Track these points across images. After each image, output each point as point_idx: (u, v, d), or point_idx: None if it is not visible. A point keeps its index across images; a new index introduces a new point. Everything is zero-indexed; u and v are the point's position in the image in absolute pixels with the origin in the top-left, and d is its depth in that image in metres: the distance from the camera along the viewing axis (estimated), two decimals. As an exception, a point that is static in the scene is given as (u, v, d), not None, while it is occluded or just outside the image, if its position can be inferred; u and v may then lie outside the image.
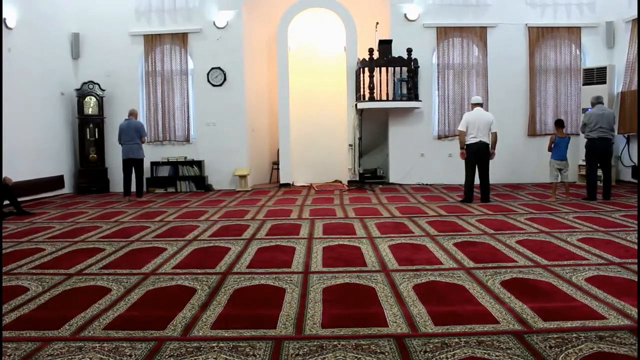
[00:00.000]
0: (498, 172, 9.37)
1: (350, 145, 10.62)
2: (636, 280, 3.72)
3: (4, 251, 5.16)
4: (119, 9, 10.77)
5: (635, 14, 9.58)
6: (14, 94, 8.72)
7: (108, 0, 10.79)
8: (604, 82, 9.87)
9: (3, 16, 8.64)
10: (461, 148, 7.94)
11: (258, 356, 2.58)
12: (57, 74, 10.32)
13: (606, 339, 2.67)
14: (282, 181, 10.99)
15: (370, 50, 9.86)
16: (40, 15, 9.75)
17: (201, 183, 10.73)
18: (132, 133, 9.17)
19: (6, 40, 8.64)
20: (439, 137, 10.78)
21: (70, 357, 2.63)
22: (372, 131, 10.95)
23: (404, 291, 3.55)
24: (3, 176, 7.48)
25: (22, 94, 9.11)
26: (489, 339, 2.72)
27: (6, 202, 7.68)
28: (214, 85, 10.83)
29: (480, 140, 7.73)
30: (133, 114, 9.45)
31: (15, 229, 6.53)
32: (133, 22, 10.86)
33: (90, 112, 10.68)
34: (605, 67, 9.95)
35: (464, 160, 7.99)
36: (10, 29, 8.80)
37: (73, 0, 10.68)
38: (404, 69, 10.27)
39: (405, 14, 10.62)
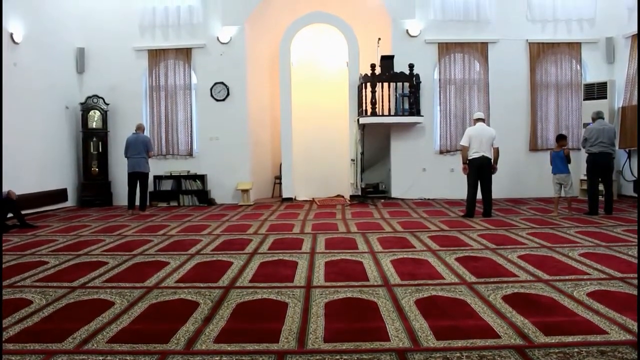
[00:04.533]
0: (500, 186, 9.37)
1: (353, 159, 10.65)
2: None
3: (7, 264, 5.19)
4: (123, 24, 10.90)
5: (634, 30, 9.67)
6: (19, 107, 8.83)
7: (113, 16, 10.93)
8: (605, 97, 9.94)
9: (10, 31, 8.76)
10: (464, 163, 7.98)
11: (261, 370, 2.59)
12: (62, 88, 10.43)
13: (608, 354, 2.68)
14: (284, 195, 11.02)
15: (372, 66, 9.94)
16: (46, 31, 9.87)
17: (204, 197, 10.77)
18: (139, 147, 9.26)
19: (12, 55, 8.77)
20: (441, 152, 10.83)
21: (74, 370, 2.64)
22: (374, 146, 10.99)
23: (406, 306, 3.56)
24: (7, 189, 7.55)
25: (28, 107, 9.20)
26: (490, 353, 2.72)
27: (10, 214, 7.73)
28: (217, 100, 10.91)
29: (482, 155, 7.77)
30: (140, 128, 9.55)
31: (18, 241, 6.55)
32: (137, 37, 10.99)
33: (94, 126, 10.78)
34: (605, 82, 10.03)
35: (466, 175, 8.02)
36: (16, 43, 8.92)
37: (78, 15, 10.83)
38: (406, 84, 10.33)
39: (407, 30, 10.73)
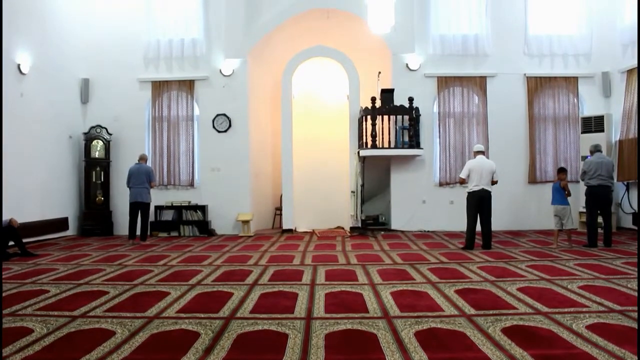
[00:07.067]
0: (499, 219, 9.43)
1: (353, 191, 10.70)
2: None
3: (8, 292, 5.19)
4: (128, 56, 11.11)
5: (629, 65, 9.86)
6: (24, 137, 8.96)
7: (117, 48, 11.13)
8: (602, 131, 10.05)
9: (17, 62, 8.93)
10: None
11: (261, 401, 2.60)
12: (66, 118, 10.57)
13: (606, 387, 2.69)
14: (284, 227, 11.03)
15: (373, 99, 10.09)
16: (52, 62, 10.06)
17: (204, 228, 10.79)
18: (141, 177, 9.34)
19: (19, 86, 8.94)
20: (440, 184, 10.89)
21: (75, 400, 2.64)
22: (374, 178, 11.05)
23: (406, 338, 3.57)
24: (9, 217, 7.59)
25: (32, 137, 9.33)
26: (490, 385, 2.73)
27: (11, 242, 7.75)
28: (219, 132, 11.03)
29: (482, 188, 7.83)
30: (143, 158, 9.66)
31: (19, 270, 6.56)
32: (141, 69, 11.17)
33: (97, 156, 10.87)
34: (602, 116, 10.16)
35: (465, 207, 8.07)
36: (23, 74, 9.08)
37: (84, 47, 11.02)
38: (406, 117, 10.46)
39: (406, 64, 10.92)
